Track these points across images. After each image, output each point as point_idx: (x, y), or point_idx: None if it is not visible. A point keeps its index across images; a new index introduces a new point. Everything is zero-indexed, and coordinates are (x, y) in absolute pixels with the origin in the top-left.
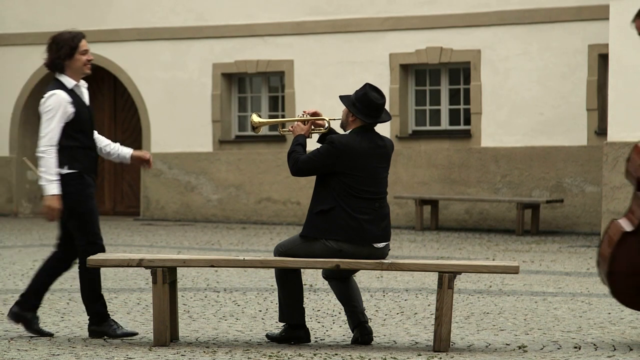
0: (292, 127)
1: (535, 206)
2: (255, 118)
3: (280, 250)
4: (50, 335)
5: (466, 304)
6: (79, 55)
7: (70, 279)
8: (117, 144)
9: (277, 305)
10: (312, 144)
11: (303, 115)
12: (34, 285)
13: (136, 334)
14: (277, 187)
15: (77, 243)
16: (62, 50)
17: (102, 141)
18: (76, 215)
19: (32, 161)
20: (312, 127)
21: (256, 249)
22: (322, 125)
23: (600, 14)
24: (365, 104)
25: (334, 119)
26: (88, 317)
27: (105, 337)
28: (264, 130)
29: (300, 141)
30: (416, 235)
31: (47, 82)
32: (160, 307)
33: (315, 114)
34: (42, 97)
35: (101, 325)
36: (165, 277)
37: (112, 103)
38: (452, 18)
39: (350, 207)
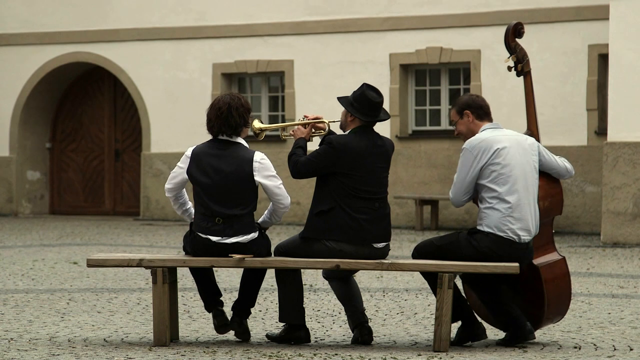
0: (293, 131)
1: None
2: (256, 124)
3: (280, 251)
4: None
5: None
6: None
7: (70, 279)
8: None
9: (277, 305)
10: (313, 147)
11: (303, 118)
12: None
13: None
14: None
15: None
16: None
17: None
18: None
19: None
20: (313, 130)
21: None
22: (323, 129)
23: (600, 14)
24: (363, 103)
25: (334, 121)
26: (235, 313)
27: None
28: None
29: (300, 144)
30: (416, 235)
31: (47, 82)
32: (160, 307)
33: (316, 118)
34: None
35: (244, 322)
36: (165, 277)
37: (112, 103)
38: (452, 18)
39: (350, 207)
